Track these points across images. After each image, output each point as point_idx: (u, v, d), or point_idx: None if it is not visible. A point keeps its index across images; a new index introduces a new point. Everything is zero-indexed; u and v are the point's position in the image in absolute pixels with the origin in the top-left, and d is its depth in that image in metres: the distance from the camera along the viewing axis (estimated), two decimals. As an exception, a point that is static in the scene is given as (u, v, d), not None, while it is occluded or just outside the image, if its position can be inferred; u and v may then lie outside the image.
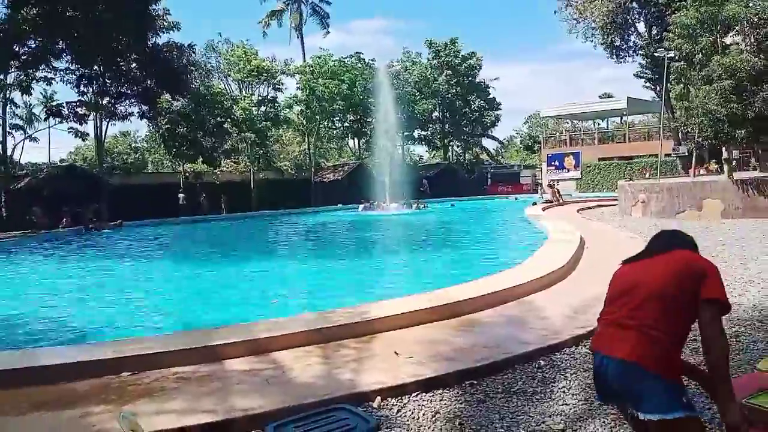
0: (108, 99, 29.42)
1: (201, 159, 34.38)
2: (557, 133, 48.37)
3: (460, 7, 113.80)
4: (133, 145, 56.12)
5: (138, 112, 30.48)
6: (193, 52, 31.63)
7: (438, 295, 6.62)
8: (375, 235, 19.50)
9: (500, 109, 51.18)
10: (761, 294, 6.76)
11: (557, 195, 27.62)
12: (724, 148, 21.23)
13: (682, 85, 20.64)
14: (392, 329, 5.61)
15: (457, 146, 53.89)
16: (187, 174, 34.21)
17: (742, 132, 18.94)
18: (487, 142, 58.59)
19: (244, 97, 36.41)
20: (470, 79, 48.56)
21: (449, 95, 47.22)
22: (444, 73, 46.91)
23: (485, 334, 5.50)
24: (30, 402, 4.07)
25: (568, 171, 40.89)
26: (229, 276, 11.04)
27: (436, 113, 49.03)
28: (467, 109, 48.49)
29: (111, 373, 4.52)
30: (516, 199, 35.85)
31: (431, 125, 49.55)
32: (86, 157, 48.46)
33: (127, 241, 19.74)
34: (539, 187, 35.11)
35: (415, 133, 49.02)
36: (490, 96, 50.59)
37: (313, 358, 4.80)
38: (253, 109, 35.66)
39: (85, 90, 28.48)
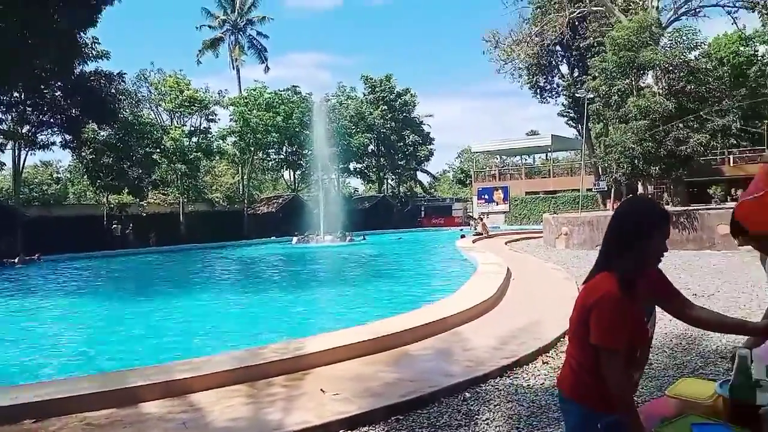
0: (28, 127, 27.97)
1: (127, 190, 33.10)
2: (487, 168, 50.05)
3: (394, 45, 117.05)
4: (55, 175, 53.30)
5: (61, 142, 29.13)
6: (123, 81, 30.76)
7: (371, 329, 6.59)
8: (308, 269, 19.27)
9: (433, 144, 52.67)
10: (672, 322, 7.14)
11: (484, 228, 28.41)
12: (640, 184, 22.60)
13: (601, 124, 21.94)
14: (325, 364, 5.51)
15: (392, 179, 54.69)
16: (112, 206, 32.78)
17: (656, 168, 20.29)
18: (421, 176, 59.84)
19: (175, 127, 35.56)
20: (405, 114, 49.76)
21: (384, 129, 48.07)
22: (379, 108, 47.80)
23: (414, 367, 5.51)
24: None
25: (497, 204, 42.24)
26: (152, 313, 10.54)
27: (371, 147, 49.71)
28: (402, 144, 49.53)
29: (10, 422, 4.17)
30: (462, 230, 36.49)
31: (367, 158, 50.20)
32: (1, 188, 45.56)
33: (41, 276, 18.56)
34: (471, 220, 35.99)
35: (351, 166, 49.42)
36: (424, 131, 51.96)
37: (237, 399, 4.63)
38: (185, 139, 34.86)
39: (3, 118, 27.00)
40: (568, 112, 39.02)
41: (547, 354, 5.93)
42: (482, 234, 27.03)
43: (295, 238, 30.18)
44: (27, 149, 29.12)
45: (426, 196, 58.42)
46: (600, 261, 2.09)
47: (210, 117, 37.73)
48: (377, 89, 48.66)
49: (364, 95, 49.37)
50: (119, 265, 22.64)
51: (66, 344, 8.31)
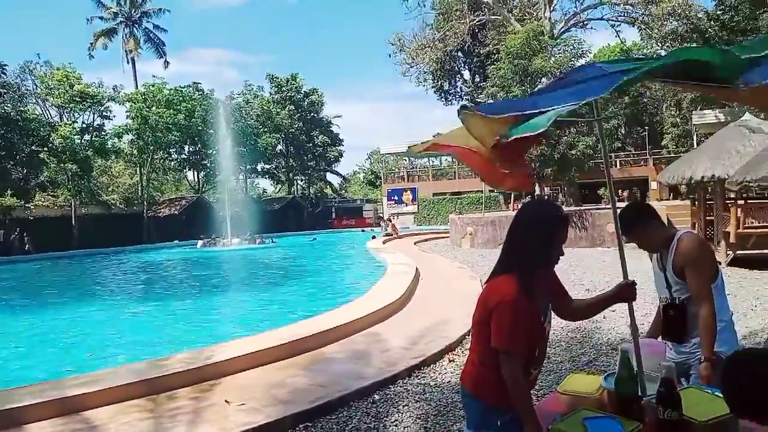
0: None
1: (10, 192, 30.33)
2: (396, 170, 50.85)
3: (302, 44, 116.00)
4: None
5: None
6: (4, 74, 28.17)
7: (282, 333, 6.49)
8: (216, 273, 18.63)
9: (343, 145, 52.82)
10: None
11: (394, 229, 28.87)
12: (536, 185, 23.92)
13: (501, 129, 23.00)
14: (233, 373, 5.36)
15: (302, 180, 54.19)
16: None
17: (550, 170, 21.57)
18: (331, 177, 59.77)
19: (65, 124, 33.02)
20: (313, 114, 49.48)
21: (292, 130, 47.53)
22: (286, 108, 47.18)
23: (326, 371, 5.48)
24: None
25: (407, 205, 43.08)
26: (40, 325, 9.73)
27: (280, 147, 48.98)
28: (311, 144, 49.20)
29: None
30: (372, 230, 36.74)
31: (275, 159, 49.39)
32: None
33: None
34: (381, 221, 36.43)
35: (259, 167, 48.40)
36: (333, 132, 51.94)
37: (135, 414, 4.38)
38: (76, 137, 32.50)
39: None
40: (471, 115, 40.54)
41: (453, 352, 6.12)
42: (392, 235, 27.44)
43: (200, 242, 29.06)
44: None
45: (337, 197, 58.44)
46: (502, 260, 2.18)
47: (104, 114, 35.38)
48: (284, 89, 48.03)
49: (271, 94, 48.54)
50: (3, 274, 20.69)
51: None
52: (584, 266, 13.02)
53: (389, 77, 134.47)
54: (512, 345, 2.03)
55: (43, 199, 33.84)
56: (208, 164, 40.42)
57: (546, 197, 24.21)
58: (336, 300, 10.15)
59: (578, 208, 21.88)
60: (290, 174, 51.13)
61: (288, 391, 4.91)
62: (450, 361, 5.83)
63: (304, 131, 48.39)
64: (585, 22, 31.60)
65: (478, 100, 29.87)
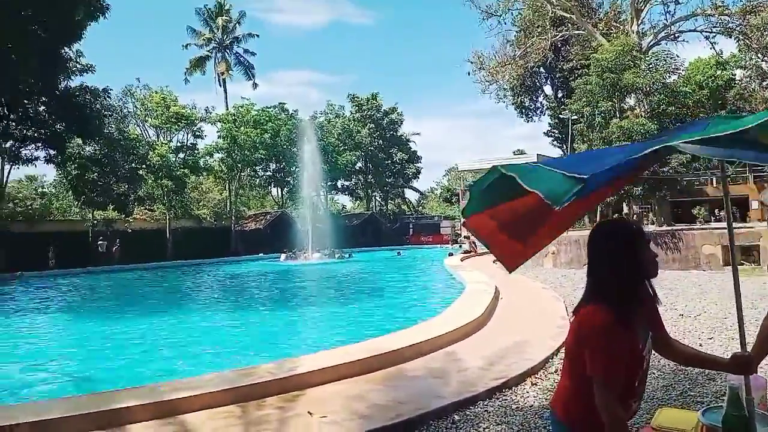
0: (12, 142, 27.67)
1: (112, 206, 32.78)
2: (475, 186, 50.26)
3: (381, 64, 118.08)
4: (40, 190, 52.64)
5: (45, 156, 28.83)
6: (108, 97, 30.62)
7: (363, 347, 6.59)
8: (298, 286, 19.19)
9: (421, 161, 53.01)
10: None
11: (473, 246, 28.51)
12: (625, 204, 22.92)
13: (585, 145, 22.28)
14: (316, 385, 5.48)
15: (380, 197, 54.82)
16: (96, 221, 32.43)
17: (639, 189, 20.59)
18: (408, 193, 60.06)
19: (162, 143, 35.41)
20: (392, 132, 50.11)
21: (372, 147, 48.33)
22: (367, 126, 48.08)
23: (403, 388, 5.49)
24: None
25: (485, 222, 42.31)
26: (137, 332, 10.41)
27: (359, 164, 49.91)
28: (389, 162, 49.80)
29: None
30: (448, 247, 36.56)
31: (354, 176, 50.34)
32: (-17, 203, 44.84)
33: (22, 293, 18.26)
34: (459, 238, 36.11)
35: (339, 183, 49.55)
36: (411, 149, 52.31)
37: (226, 420, 4.59)
38: (171, 155, 34.72)
39: (-14, 132, 26.67)
40: (553, 132, 39.54)
41: (536, 375, 5.95)
42: (471, 252, 27.11)
43: (283, 255, 30.05)
44: (11, 164, 28.82)
45: (414, 213, 58.58)
46: (589, 286, 2.08)
47: (197, 133, 37.67)
48: (364, 108, 49.00)
49: (352, 113, 49.67)
50: (105, 282, 22.35)
51: (50, 364, 8.16)
52: (677, 290, 12.28)
53: (467, 93, 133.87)
54: (608, 373, 1.92)
55: (140, 213, 36.34)
56: (291, 181, 41.88)
57: (634, 216, 23.10)
58: (413, 316, 10.16)
59: (670, 228, 20.69)
60: (369, 190, 51.93)
61: (367, 405, 4.96)
62: (533, 384, 5.67)
63: (383, 149, 49.12)
64: (676, 35, 30.06)
65: (561, 116, 29.11)
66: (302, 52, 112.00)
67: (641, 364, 2.05)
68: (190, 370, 6.67)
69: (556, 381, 5.32)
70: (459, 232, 40.67)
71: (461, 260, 23.23)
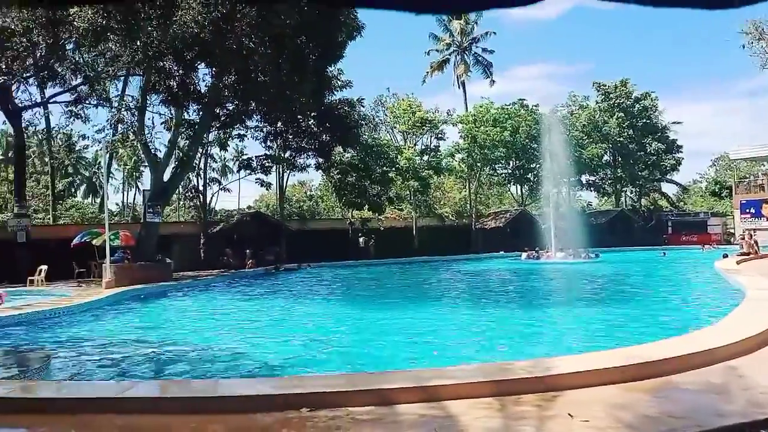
0: (289, 152, 32.55)
1: (367, 206, 36.27)
2: (752, 177, 42.88)
3: (628, 48, 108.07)
4: (308, 193, 61.12)
5: (315, 164, 33.27)
6: (362, 107, 33.93)
7: (624, 353, 6.10)
8: (544, 285, 18.74)
9: (681, 151, 47.11)
10: None
11: (754, 247, 24.24)
12: None
13: None
14: (574, 387, 5.24)
15: (631, 192, 50.27)
16: (354, 220, 36.23)
17: None
18: (666, 187, 53.89)
19: (408, 147, 38.00)
20: (645, 121, 45.48)
21: (621, 139, 44.57)
22: (615, 116, 44.54)
23: (677, 401, 4.92)
24: (228, 428, 4.46)
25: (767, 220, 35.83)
26: (402, 320, 11.29)
27: (606, 157, 46.51)
28: (642, 153, 45.29)
29: (292, 408, 4.80)
30: (713, 248, 32.12)
31: (601, 170, 46.96)
32: (269, 205, 53.71)
33: (305, 281, 21.30)
34: (732, 238, 31.15)
35: (583, 179, 46.79)
36: (669, 138, 46.82)
37: (485, 411, 4.64)
38: (417, 158, 36.99)
39: (271, 145, 31.91)
40: None
41: None
42: (750, 254, 23.16)
43: (524, 254, 29.63)
44: (288, 171, 33.98)
45: (673, 210, 52.32)
46: None
47: (439, 135, 39.53)
48: (611, 96, 45.45)
49: (597, 103, 46.52)
50: (365, 275, 24.87)
51: (329, 342, 9.34)
52: None
53: (737, 71, 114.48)
54: None
55: (391, 212, 39.50)
56: (531, 178, 41.07)
57: None
58: (679, 325, 9.07)
59: None
60: (618, 185, 48.01)
61: (633, 415, 4.56)
62: None
63: (634, 139, 44.92)
64: None
65: None
66: (539, 45, 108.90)
67: None
68: (446, 359, 6.97)
69: None
70: (732, 230, 35.09)
71: (737, 263, 19.96)
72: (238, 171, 36.60)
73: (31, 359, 8.73)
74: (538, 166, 38.79)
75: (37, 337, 10.26)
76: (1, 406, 5.15)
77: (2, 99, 23.62)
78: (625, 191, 49.77)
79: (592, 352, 6.47)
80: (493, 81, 51.61)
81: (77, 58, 22.57)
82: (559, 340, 8.82)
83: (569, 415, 4.55)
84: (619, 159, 46.31)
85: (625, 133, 44.44)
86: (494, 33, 53.44)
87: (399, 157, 36.05)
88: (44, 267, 20.27)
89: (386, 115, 42.73)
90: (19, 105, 24.94)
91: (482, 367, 5.81)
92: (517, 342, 8.63)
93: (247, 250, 27.32)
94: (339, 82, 31.61)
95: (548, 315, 11.88)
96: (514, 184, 45.64)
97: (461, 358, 7.06)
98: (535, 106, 41.48)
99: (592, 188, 48.78)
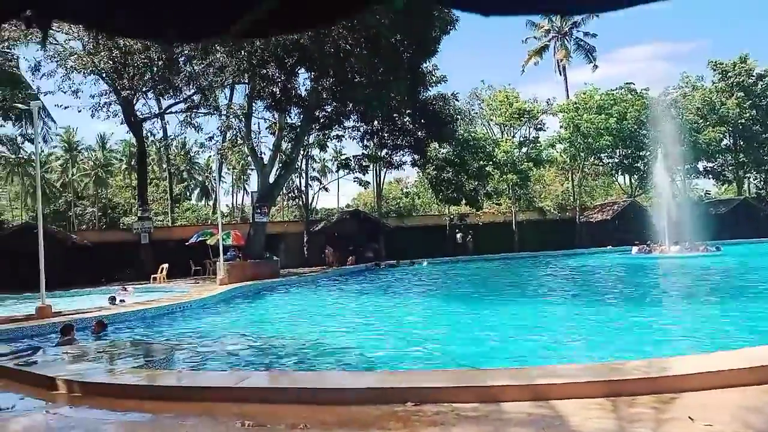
0: (386, 151, 32.98)
1: (464, 201, 35.91)
2: None
3: (747, 21, 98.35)
4: (405, 190, 61.55)
5: (410, 161, 33.45)
6: (457, 100, 33.58)
7: (752, 354, 5.62)
8: (657, 282, 17.62)
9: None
10: None
11: None
12: None
13: None
14: (694, 390, 4.91)
15: (756, 178, 45.84)
16: (452, 216, 36.02)
17: None
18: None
19: (506, 139, 37.13)
20: (769, 99, 41.31)
21: (743, 120, 40.75)
22: (734, 96, 40.82)
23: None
24: (338, 419, 4.63)
25: None
26: (506, 316, 11.14)
27: (725, 142, 42.74)
28: (767, 136, 41.18)
29: (397, 401, 4.89)
30: None
31: (720, 155, 43.21)
32: (366, 203, 54.76)
33: (404, 278, 21.52)
34: None
35: (699, 166, 43.29)
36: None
37: (597, 411, 4.47)
38: (515, 151, 36.07)
39: (368, 144, 32.49)
40: None
41: None
42: None
43: (635, 248, 28.00)
44: (385, 169, 34.41)
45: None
46: None
47: (538, 126, 38.24)
48: (730, 74, 41.67)
49: (713, 83, 42.86)
50: (464, 270, 24.72)
51: (432, 338, 9.41)
52: None
53: None
54: None
55: (489, 207, 38.82)
56: (641, 167, 38.65)
57: None
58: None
59: None
60: (740, 172, 43.95)
61: (766, 420, 4.19)
62: None
63: (758, 120, 40.89)
64: None
65: None
66: (645, 26, 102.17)
67: None
68: (553, 358, 6.77)
69: None
70: None
71: None
72: (337, 171, 37.66)
73: (156, 350, 9.52)
74: (648, 153, 36.46)
75: (161, 330, 11.20)
76: (130, 393, 5.70)
77: (126, 111, 26.02)
78: (749, 178, 45.47)
79: (711, 353, 6.01)
80: (596, 65, 49.22)
81: (190, 70, 24.33)
82: (675, 340, 8.26)
83: (689, 418, 4.27)
84: (741, 143, 42.36)
85: (747, 114, 40.58)
86: (597, 15, 50.81)
87: (496, 150, 35.34)
88: (165, 265, 22.08)
89: (482, 108, 42.02)
90: (140, 116, 27.34)
91: (592, 366, 5.59)
92: (630, 341, 8.19)
93: (350, 248, 28.09)
94: (434, 78, 31.57)
95: (663, 313, 11.18)
96: (621, 174, 43.24)
97: (572, 358, 6.83)
98: (645, 89, 39.02)
99: (710, 175, 45.00)
